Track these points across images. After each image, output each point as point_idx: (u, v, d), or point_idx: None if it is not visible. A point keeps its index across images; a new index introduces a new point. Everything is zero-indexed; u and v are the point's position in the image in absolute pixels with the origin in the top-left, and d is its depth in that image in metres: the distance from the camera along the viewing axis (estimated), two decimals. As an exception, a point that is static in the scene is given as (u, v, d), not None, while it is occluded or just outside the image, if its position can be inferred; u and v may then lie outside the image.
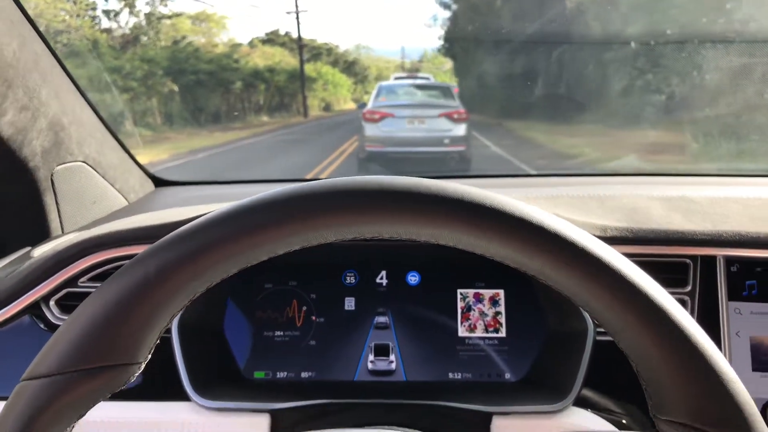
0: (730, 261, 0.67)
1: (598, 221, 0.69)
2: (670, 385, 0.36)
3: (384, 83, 9.82)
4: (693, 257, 0.67)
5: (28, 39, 0.80)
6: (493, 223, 0.36)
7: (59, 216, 0.91)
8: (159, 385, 0.68)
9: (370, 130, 7.10)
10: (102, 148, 0.97)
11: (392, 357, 0.72)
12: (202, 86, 14.47)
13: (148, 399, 0.67)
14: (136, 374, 0.39)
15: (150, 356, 0.39)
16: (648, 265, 0.68)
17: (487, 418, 0.63)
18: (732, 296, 0.66)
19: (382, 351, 0.72)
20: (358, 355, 0.72)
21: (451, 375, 0.71)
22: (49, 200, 0.88)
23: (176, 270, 0.37)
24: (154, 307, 0.37)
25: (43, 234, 0.89)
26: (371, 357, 0.72)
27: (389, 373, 0.71)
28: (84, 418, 0.38)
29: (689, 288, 0.67)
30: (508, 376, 0.71)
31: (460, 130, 7.20)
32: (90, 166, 0.94)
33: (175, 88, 13.26)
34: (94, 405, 0.38)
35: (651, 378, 0.36)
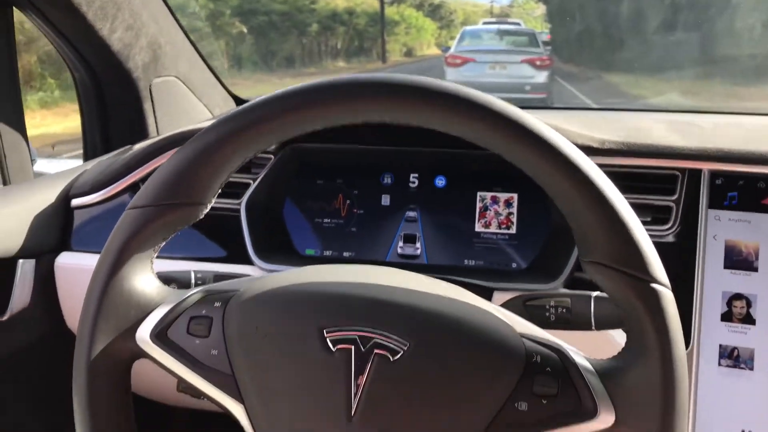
0: (715, 174, 0.76)
1: (599, 135, 0.79)
2: (591, 234, 0.47)
3: (468, 28, 9.69)
4: (681, 170, 0.77)
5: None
6: (464, 110, 0.48)
7: (156, 122, 1.10)
8: (229, 253, 0.85)
9: (451, 74, 7.10)
10: (192, 67, 1.14)
11: (418, 245, 0.86)
12: (274, 28, 13.83)
13: (221, 263, 0.85)
14: (204, 212, 0.54)
15: (214, 201, 0.54)
16: (641, 176, 0.79)
17: (489, 292, 0.77)
18: (713, 205, 0.75)
19: (410, 239, 0.86)
20: (390, 241, 0.87)
21: (466, 261, 0.85)
22: (147, 107, 1.06)
23: (227, 140, 0.51)
24: (216, 164, 0.51)
25: (142, 136, 1.07)
26: (401, 243, 0.86)
27: (414, 257, 0.86)
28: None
29: (676, 196, 0.76)
30: (514, 264, 0.83)
31: (542, 77, 7.07)
32: (181, 81, 1.12)
33: (244, 29, 12.72)
34: (174, 233, 0.54)
35: (579, 229, 0.48)
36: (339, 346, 0.48)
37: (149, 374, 0.53)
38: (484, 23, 11.25)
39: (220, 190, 0.54)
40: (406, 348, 0.47)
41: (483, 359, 0.47)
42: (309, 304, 0.50)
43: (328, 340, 0.48)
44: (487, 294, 0.76)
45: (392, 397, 0.47)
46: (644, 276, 0.45)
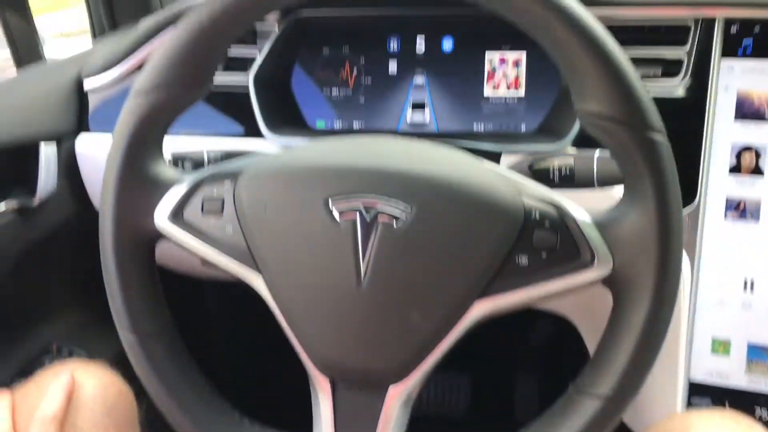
0: (729, 21, 0.73)
1: None
2: (587, 83, 0.46)
3: None
4: (695, 19, 0.74)
5: None
6: None
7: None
8: (241, 129, 0.87)
9: None
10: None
11: (427, 111, 0.86)
12: None
13: (234, 137, 0.86)
14: (205, 92, 0.55)
15: (214, 87, 0.55)
16: (652, 28, 0.76)
17: (497, 156, 0.77)
18: (726, 53, 0.73)
19: (418, 106, 0.86)
20: (399, 110, 0.87)
21: (475, 127, 0.85)
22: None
23: (219, 15, 0.50)
24: (211, 41, 0.52)
25: (146, 13, 1.06)
26: (410, 111, 0.86)
27: (424, 125, 0.86)
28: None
29: (687, 47, 0.74)
30: (523, 127, 0.83)
31: None
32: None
33: None
34: (178, 114, 0.55)
35: (574, 78, 0.47)
36: (345, 216, 0.50)
37: (175, 249, 0.57)
38: None
39: (220, 68, 0.55)
40: (409, 212, 0.49)
41: (483, 218, 0.49)
42: (312, 176, 0.52)
43: (333, 209, 0.51)
44: (495, 158, 0.77)
45: (398, 261, 0.50)
46: (641, 125, 0.46)
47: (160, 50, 0.52)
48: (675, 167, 0.47)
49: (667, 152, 0.47)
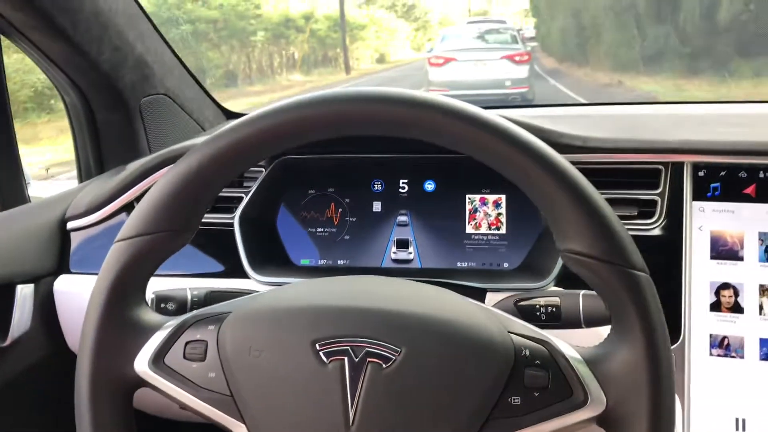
0: (697, 166, 0.77)
1: (583, 134, 0.80)
2: (568, 225, 0.48)
3: (450, 28, 9.92)
4: (664, 163, 0.78)
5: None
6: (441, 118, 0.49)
7: (147, 140, 1.11)
8: (225, 268, 0.86)
9: (434, 75, 7.31)
10: (180, 83, 1.16)
11: (411, 249, 0.87)
12: (204, 40, 11.48)
13: (217, 278, 0.86)
14: (191, 238, 0.55)
15: (199, 227, 0.55)
16: (626, 171, 0.80)
17: (483, 292, 0.78)
18: (697, 197, 0.77)
19: (402, 244, 0.87)
20: (384, 247, 0.88)
21: (458, 264, 0.86)
22: (138, 126, 1.08)
23: (210, 163, 0.52)
24: (198, 189, 0.53)
25: (134, 155, 1.08)
26: (394, 249, 0.87)
27: (408, 261, 0.87)
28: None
29: (660, 190, 0.78)
30: (506, 265, 0.85)
31: (522, 72, 7.33)
32: (171, 98, 1.13)
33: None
34: (163, 260, 0.55)
35: (555, 222, 0.49)
36: (332, 358, 0.50)
37: (154, 394, 0.55)
38: (468, 23, 11.39)
39: (206, 212, 0.56)
40: (398, 354, 0.49)
41: (473, 358, 0.49)
42: (299, 318, 0.52)
43: (320, 353, 0.50)
44: (480, 295, 0.78)
45: (388, 403, 0.48)
46: (622, 263, 0.47)
47: (146, 197, 0.53)
48: (659, 303, 0.48)
49: (651, 289, 0.48)
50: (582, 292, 0.64)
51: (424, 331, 0.50)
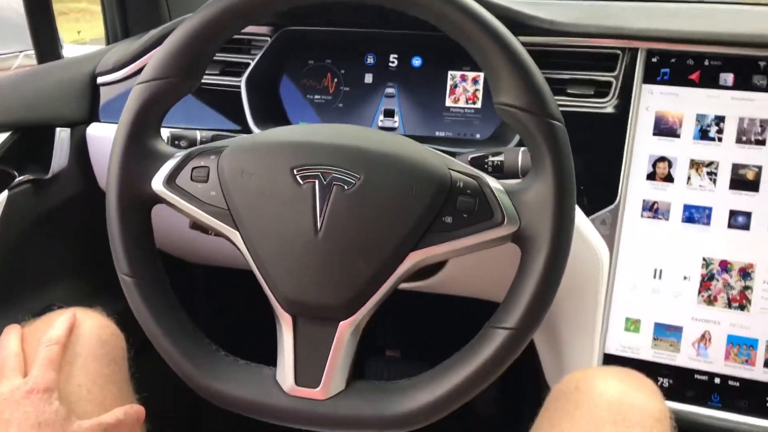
0: (651, 52, 0.86)
1: (551, 17, 0.89)
2: (503, 82, 0.59)
3: None
4: (622, 49, 0.87)
5: None
6: None
7: (168, 9, 1.21)
8: (233, 123, 0.99)
9: None
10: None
11: (396, 118, 0.99)
12: None
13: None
14: (196, 85, 0.67)
15: (211, 88, 0.67)
16: (587, 54, 0.89)
17: (453, 155, 0.90)
18: (647, 80, 0.86)
19: (389, 113, 0.99)
20: (372, 115, 1.00)
21: (437, 133, 0.98)
22: (160, -2, 1.18)
23: (209, 22, 0.63)
24: (201, 43, 0.64)
25: (156, 23, 1.19)
26: (381, 117, 0.99)
27: (393, 129, 0.99)
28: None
29: (616, 72, 0.88)
30: (478, 135, 0.96)
31: None
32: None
33: None
34: (173, 104, 0.67)
35: (493, 79, 0.60)
36: (306, 181, 0.62)
37: (172, 234, 0.67)
38: None
39: (217, 71, 0.67)
40: (358, 179, 0.61)
41: (418, 184, 0.61)
42: (281, 150, 0.65)
43: (297, 176, 0.63)
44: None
45: (348, 217, 0.61)
46: (541, 113, 0.58)
47: (160, 48, 0.65)
48: (570, 147, 0.60)
49: (564, 136, 0.59)
50: (522, 149, 0.75)
51: (379, 163, 0.62)
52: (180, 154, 0.67)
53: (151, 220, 0.69)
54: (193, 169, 0.66)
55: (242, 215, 0.64)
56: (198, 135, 0.81)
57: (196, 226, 0.72)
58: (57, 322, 0.73)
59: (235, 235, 0.65)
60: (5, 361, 0.70)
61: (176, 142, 0.80)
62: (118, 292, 0.67)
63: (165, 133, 0.76)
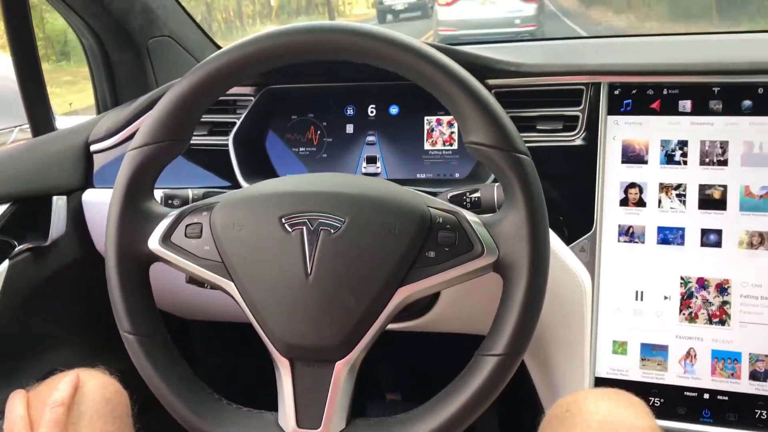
0: (613, 86, 0.91)
1: (518, 60, 0.94)
2: (470, 123, 0.63)
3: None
4: (586, 84, 0.92)
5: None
6: (375, 44, 0.64)
7: (155, 77, 1.27)
8: (222, 181, 1.03)
9: (443, 14, 7.25)
10: (182, 26, 1.30)
11: (378, 164, 1.03)
12: None
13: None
14: (186, 146, 0.71)
15: (200, 148, 0.71)
16: (553, 92, 0.94)
17: (435, 195, 0.94)
18: (611, 111, 0.91)
19: (371, 160, 1.03)
20: (356, 163, 1.04)
21: (418, 175, 1.02)
22: (147, 65, 1.23)
23: (196, 87, 0.67)
24: (188, 107, 0.68)
25: (144, 90, 1.24)
26: (364, 164, 1.03)
27: (376, 174, 1.03)
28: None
29: (581, 107, 0.93)
30: (457, 174, 1.00)
31: (531, 9, 7.22)
32: (174, 40, 1.28)
33: None
34: (164, 166, 0.71)
35: (462, 121, 0.64)
36: (294, 228, 0.66)
37: (169, 292, 0.69)
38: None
39: (205, 132, 0.71)
40: (343, 223, 0.65)
41: (399, 223, 0.65)
42: (269, 200, 0.68)
43: (285, 224, 0.66)
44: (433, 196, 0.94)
45: (336, 259, 0.65)
46: (508, 148, 0.63)
47: (150, 115, 0.69)
48: (538, 178, 0.64)
49: (531, 168, 0.64)
50: (497, 184, 0.79)
51: (362, 206, 0.66)
52: (173, 213, 0.71)
53: (149, 278, 0.72)
54: (187, 226, 0.70)
55: (236, 266, 0.67)
56: (190, 193, 0.85)
57: (193, 280, 0.75)
58: (61, 384, 0.75)
59: (230, 286, 0.68)
60: (12, 425, 0.72)
61: (170, 202, 0.83)
62: (119, 350, 0.69)
63: (158, 193, 0.80)
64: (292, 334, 0.66)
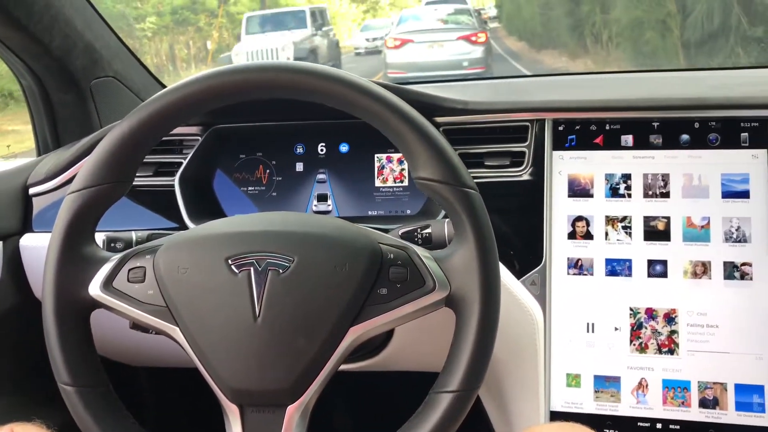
0: (557, 122, 0.94)
1: (466, 99, 0.96)
2: (419, 160, 0.64)
3: (405, 11, 10.03)
4: (531, 121, 0.94)
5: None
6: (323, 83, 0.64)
7: (99, 119, 1.24)
8: (169, 223, 1.01)
9: (391, 57, 7.40)
10: (127, 66, 1.28)
11: (329, 201, 1.02)
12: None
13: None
14: (128, 189, 0.69)
15: (135, 177, 0.69)
16: (500, 128, 0.96)
17: (387, 231, 0.94)
18: (556, 147, 0.93)
19: (322, 198, 1.03)
20: (306, 201, 1.03)
21: (370, 212, 1.02)
22: (90, 106, 1.21)
23: (138, 127, 0.66)
24: (130, 148, 0.66)
25: (87, 132, 1.21)
26: (315, 202, 1.03)
27: (327, 212, 1.02)
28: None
29: (527, 142, 0.94)
30: (408, 211, 1.01)
31: (479, 52, 7.43)
32: (119, 80, 1.26)
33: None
34: (106, 209, 0.69)
35: (410, 158, 0.65)
36: (241, 269, 0.64)
37: (113, 339, 0.67)
38: (426, 3, 11.54)
39: (150, 173, 0.69)
40: (292, 262, 0.64)
41: (350, 261, 0.64)
42: (215, 241, 0.67)
43: (232, 266, 0.64)
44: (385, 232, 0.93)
45: (285, 299, 0.63)
46: (456, 183, 0.63)
47: (90, 157, 0.67)
48: (486, 213, 0.64)
49: (480, 202, 0.64)
50: (447, 219, 0.79)
51: (310, 244, 0.65)
52: (116, 257, 0.68)
53: (90, 326, 0.69)
54: (130, 270, 0.67)
55: (181, 311, 0.65)
56: (134, 236, 0.82)
57: (136, 326, 0.72)
58: None
59: (175, 331, 0.65)
60: None
61: (112, 245, 0.81)
62: (59, 403, 0.66)
63: (100, 237, 0.77)
64: (241, 378, 0.63)
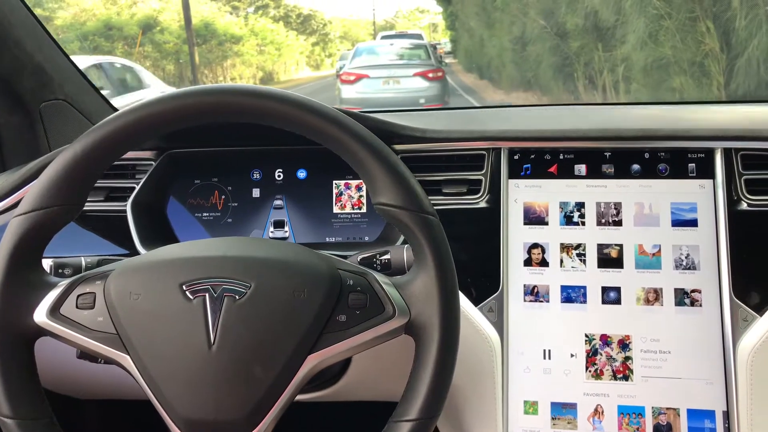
0: (512, 151, 0.95)
1: (424, 127, 0.97)
2: (379, 186, 0.64)
3: (361, 44, 10.09)
4: (487, 149, 0.96)
5: (15, 6, 1.08)
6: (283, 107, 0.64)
7: (48, 142, 1.20)
8: (120, 249, 0.98)
9: (346, 92, 7.39)
10: (78, 89, 1.25)
11: (286, 228, 1.01)
12: None
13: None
14: (78, 213, 0.66)
15: (86, 201, 0.67)
16: (457, 156, 0.97)
17: (345, 258, 0.93)
18: (512, 175, 0.95)
19: (279, 224, 1.01)
20: (263, 227, 1.02)
21: (328, 238, 1.01)
22: (38, 129, 1.17)
23: (90, 150, 0.64)
24: (81, 171, 0.64)
25: (35, 156, 1.17)
26: (272, 228, 1.01)
27: (285, 239, 1.01)
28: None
29: (484, 171, 0.95)
30: (366, 238, 1.00)
31: (435, 89, 7.49)
32: (69, 103, 1.23)
33: None
34: (54, 233, 0.66)
35: (370, 184, 0.65)
36: (196, 295, 0.62)
37: (59, 369, 0.64)
38: (382, 37, 11.62)
39: (101, 198, 0.67)
40: (248, 288, 0.62)
41: (308, 287, 0.63)
42: (169, 267, 0.65)
43: (187, 292, 0.63)
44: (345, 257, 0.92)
45: (242, 326, 0.62)
46: (416, 209, 0.63)
47: (39, 178, 0.65)
48: (446, 238, 0.64)
49: (439, 228, 0.64)
50: (406, 246, 0.79)
51: (268, 269, 0.64)
52: (64, 283, 0.65)
53: (33, 355, 0.66)
54: (79, 296, 0.65)
55: (132, 338, 0.63)
56: (83, 261, 0.80)
57: (85, 355, 0.69)
58: None
59: (126, 360, 0.63)
60: None
61: (60, 271, 0.77)
62: None
63: (48, 262, 0.74)
64: (194, 409, 0.61)
